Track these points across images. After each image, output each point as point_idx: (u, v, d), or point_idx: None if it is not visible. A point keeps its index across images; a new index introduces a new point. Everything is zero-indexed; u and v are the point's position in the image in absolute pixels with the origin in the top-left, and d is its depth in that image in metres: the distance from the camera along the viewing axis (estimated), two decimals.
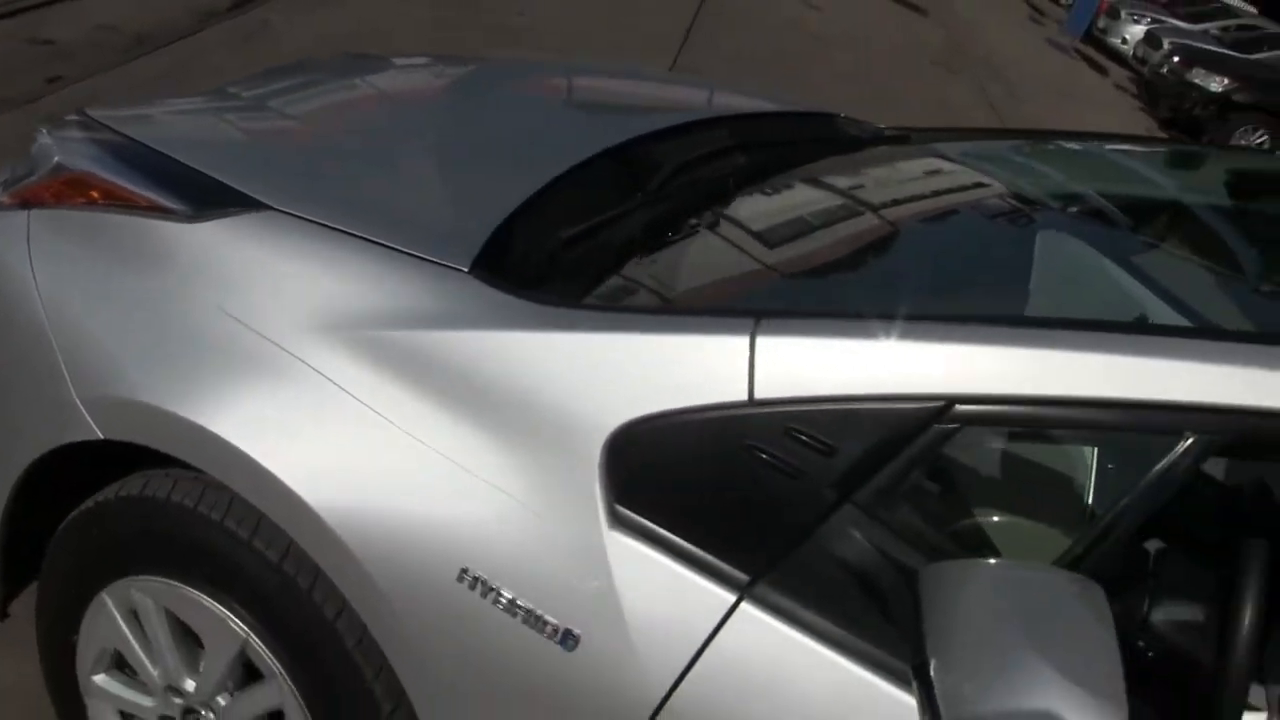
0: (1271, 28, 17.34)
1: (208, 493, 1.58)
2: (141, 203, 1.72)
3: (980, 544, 1.50)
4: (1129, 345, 1.28)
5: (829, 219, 2.09)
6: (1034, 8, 21.55)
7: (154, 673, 1.75)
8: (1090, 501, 1.59)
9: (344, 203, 1.71)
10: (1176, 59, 15.17)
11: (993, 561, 1.28)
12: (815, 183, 2.25)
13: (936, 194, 2.23)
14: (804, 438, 1.32)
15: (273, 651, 1.60)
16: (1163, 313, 1.62)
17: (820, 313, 1.43)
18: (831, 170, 2.35)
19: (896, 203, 2.17)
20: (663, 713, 1.34)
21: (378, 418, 1.45)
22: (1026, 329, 1.33)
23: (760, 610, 1.32)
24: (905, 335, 1.32)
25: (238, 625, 1.61)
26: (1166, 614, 1.66)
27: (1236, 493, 1.76)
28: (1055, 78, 15.27)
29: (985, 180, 2.33)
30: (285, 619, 1.57)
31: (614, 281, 1.69)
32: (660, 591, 1.35)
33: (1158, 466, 1.27)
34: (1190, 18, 18.74)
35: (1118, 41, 18.59)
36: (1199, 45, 15.94)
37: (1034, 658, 1.09)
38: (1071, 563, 1.29)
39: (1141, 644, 1.67)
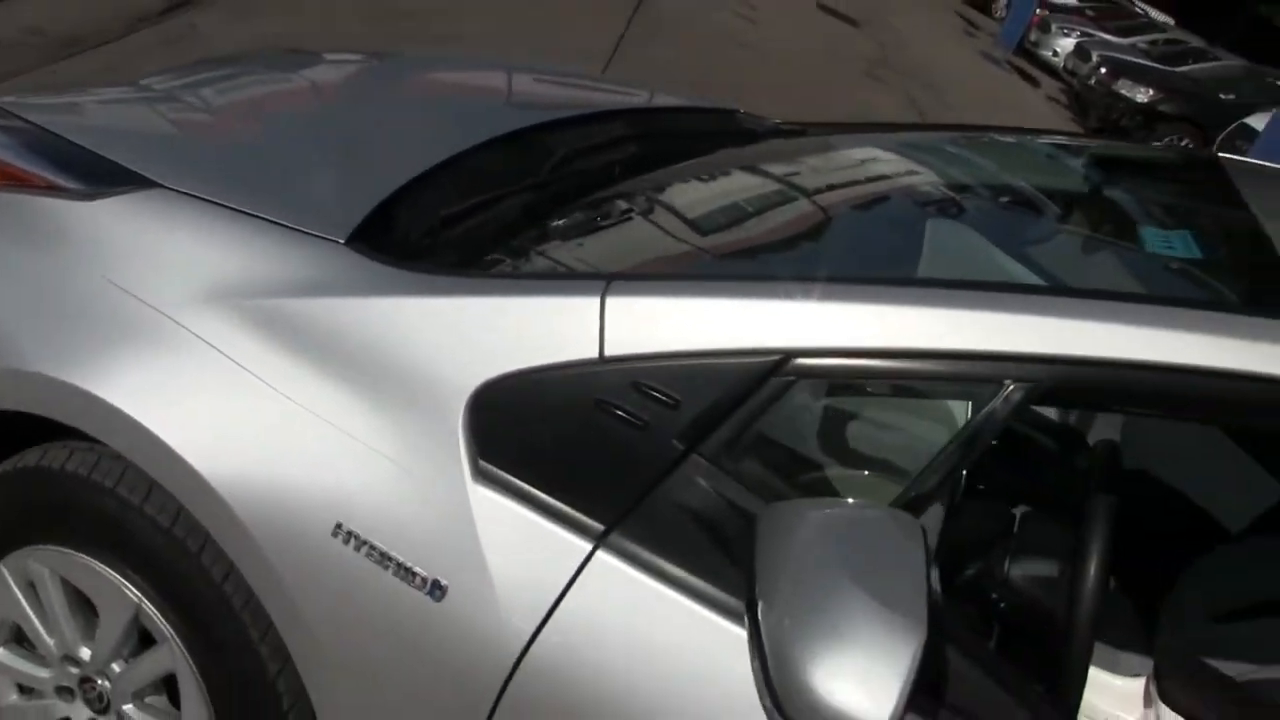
0: (1195, 41, 17.76)
1: (102, 461, 1.62)
2: (39, 183, 1.77)
3: (822, 490, 1.56)
4: (952, 299, 1.37)
5: (700, 199, 2.17)
6: (968, 21, 21.84)
7: (50, 643, 1.77)
8: (923, 448, 1.67)
9: (235, 182, 1.77)
10: (1104, 71, 15.59)
11: (819, 501, 1.36)
12: (697, 170, 2.32)
13: (817, 183, 2.31)
14: (651, 392, 1.40)
15: (164, 616, 1.64)
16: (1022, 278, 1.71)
17: (667, 275, 1.51)
18: (717, 160, 2.44)
19: (771, 185, 2.25)
20: (525, 659, 1.39)
21: (257, 382, 1.50)
22: (858, 286, 1.41)
23: (614, 558, 1.38)
24: (744, 294, 1.40)
25: (130, 591, 1.65)
26: (1023, 570, 1.75)
27: (1092, 454, 1.85)
28: (988, 89, 15.53)
29: (868, 167, 2.42)
30: (176, 583, 1.61)
31: (485, 255, 1.75)
32: (521, 542, 1.41)
33: (982, 412, 1.34)
34: (1119, 31, 19.15)
35: (1049, 54, 18.97)
36: (1126, 58, 16.34)
37: (848, 587, 1.16)
38: (907, 504, 1.35)
39: (996, 596, 1.77)
